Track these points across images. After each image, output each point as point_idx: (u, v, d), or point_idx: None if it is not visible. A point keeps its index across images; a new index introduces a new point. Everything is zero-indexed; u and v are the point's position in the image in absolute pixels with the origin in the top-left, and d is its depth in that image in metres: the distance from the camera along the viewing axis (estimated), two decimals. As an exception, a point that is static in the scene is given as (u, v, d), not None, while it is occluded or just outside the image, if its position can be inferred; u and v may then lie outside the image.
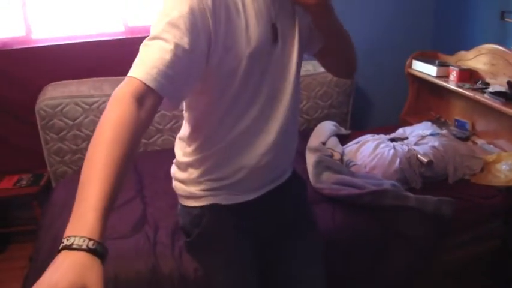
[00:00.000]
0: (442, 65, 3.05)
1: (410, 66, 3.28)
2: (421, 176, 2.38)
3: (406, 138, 2.70)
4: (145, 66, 0.98)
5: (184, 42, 1.02)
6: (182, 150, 1.40)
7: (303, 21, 1.28)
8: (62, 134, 2.78)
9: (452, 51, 3.16)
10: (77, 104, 2.78)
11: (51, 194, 2.51)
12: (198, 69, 1.11)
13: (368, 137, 2.64)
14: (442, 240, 2.18)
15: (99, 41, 3.00)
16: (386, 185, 2.15)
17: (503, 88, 2.61)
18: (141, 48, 1.04)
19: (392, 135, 2.77)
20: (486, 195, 2.36)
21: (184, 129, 1.38)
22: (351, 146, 2.61)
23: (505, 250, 2.34)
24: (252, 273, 1.45)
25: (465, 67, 2.95)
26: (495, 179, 2.46)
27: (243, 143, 1.31)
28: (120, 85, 0.98)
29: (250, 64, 1.18)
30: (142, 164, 2.61)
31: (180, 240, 1.83)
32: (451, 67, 2.98)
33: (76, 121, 2.79)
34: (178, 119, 2.87)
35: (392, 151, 2.41)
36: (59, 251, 0.75)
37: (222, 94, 1.22)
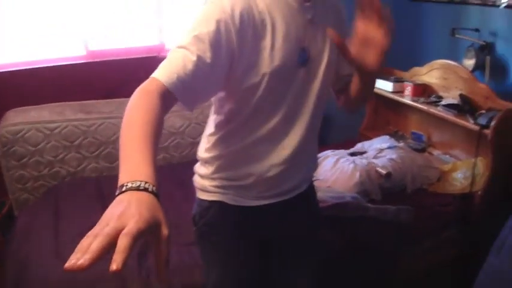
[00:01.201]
0: (398, 80, 3.17)
1: (367, 82, 3.37)
2: (380, 187, 2.46)
3: (365, 152, 2.78)
4: (169, 70, 1.09)
5: (207, 56, 1.11)
6: (203, 147, 1.48)
7: (334, 51, 1.33)
8: (23, 160, 2.75)
9: (406, 67, 3.28)
10: (38, 130, 2.77)
11: (15, 222, 2.48)
12: (216, 81, 1.20)
13: (328, 152, 2.71)
14: (403, 249, 2.26)
15: (60, 65, 3.00)
16: (348, 197, 2.22)
17: (455, 101, 2.73)
18: (169, 53, 1.14)
19: (352, 149, 2.85)
20: (443, 203, 2.47)
21: (208, 128, 1.45)
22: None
23: (463, 257, 2.42)
24: (246, 273, 1.52)
25: (419, 82, 3.08)
26: (451, 187, 2.57)
27: (256, 151, 1.39)
28: (145, 82, 1.07)
29: (272, 82, 1.25)
30: (106, 188, 2.59)
31: (147, 261, 1.84)
32: (405, 82, 3.10)
33: (38, 147, 2.77)
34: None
35: (352, 165, 2.49)
36: (119, 194, 0.79)
37: (243, 105, 1.30)
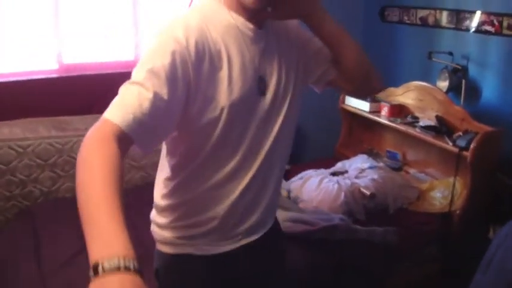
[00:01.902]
0: (374, 100, 3.23)
1: (343, 101, 3.44)
2: (364, 207, 2.49)
3: (346, 171, 2.82)
4: (123, 110, 0.98)
5: (163, 92, 1.03)
6: (160, 192, 1.35)
7: (291, 75, 1.30)
8: (-6, 179, 2.64)
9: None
10: (10, 148, 2.65)
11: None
12: (174, 118, 1.10)
13: (311, 172, 2.73)
14: (390, 268, 2.29)
15: (33, 79, 2.88)
16: (336, 219, 2.24)
17: (432, 122, 2.81)
18: (121, 90, 1.04)
19: (333, 169, 2.89)
20: (424, 222, 2.55)
21: (163, 171, 1.33)
22: (295, 182, 2.69)
23: (444, 273, 2.49)
24: None
25: (395, 102, 3.15)
26: (431, 206, 2.64)
27: (220, 191, 1.28)
28: (98, 125, 0.97)
29: (231, 115, 1.17)
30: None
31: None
32: (382, 103, 3.16)
33: (9, 165, 2.65)
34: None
35: (336, 185, 2.52)
36: (95, 276, 0.69)
37: (202, 143, 1.21)
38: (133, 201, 2.59)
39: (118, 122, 0.96)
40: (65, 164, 2.77)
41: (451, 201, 2.59)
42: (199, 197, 1.29)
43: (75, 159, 2.71)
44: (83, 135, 2.88)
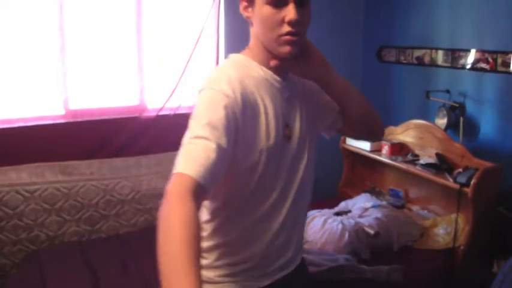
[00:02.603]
0: (375, 140, 3.28)
1: (344, 141, 3.49)
2: (368, 246, 2.50)
3: (350, 211, 2.85)
4: (194, 163, 1.08)
5: (223, 142, 1.14)
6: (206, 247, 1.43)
7: (310, 121, 1.46)
8: (1, 224, 2.66)
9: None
10: (17, 192, 2.69)
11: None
12: (227, 165, 1.20)
13: (314, 212, 2.75)
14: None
15: (39, 125, 2.93)
16: (341, 260, 2.25)
17: (432, 160, 2.85)
18: (186, 146, 1.14)
19: (336, 209, 2.91)
20: (428, 259, 2.55)
21: (202, 215, 1.39)
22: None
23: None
24: None
25: (396, 141, 3.21)
26: (435, 243, 2.65)
27: (257, 231, 1.38)
28: (174, 182, 1.06)
29: (268, 159, 1.30)
30: (90, 253, 2.54)
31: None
32: (383, 142, 3.22)
33: (16, 210, 2.68)
34: (124, 205, 2.85)
35: (340, 225, 2.53)
36: None
37: (242, 187, 1.32)
38: (140, 244, 2.61)
39: (193, 175, 1.06)
40: (71, 208, 2.80)
41: (455, 237, 2.60)
42: (238, 238, 1.38)
43: (80, 203, 2.78)
44: (89, 180, 2.91)
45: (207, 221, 1.39)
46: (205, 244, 1.40)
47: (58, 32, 2.89)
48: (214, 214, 1.38)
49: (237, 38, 3.37)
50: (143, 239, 2.66)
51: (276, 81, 1.35)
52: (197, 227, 0.98)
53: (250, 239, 1.38)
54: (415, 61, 3.41)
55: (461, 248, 2.56)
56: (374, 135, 1.67)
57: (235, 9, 3.44)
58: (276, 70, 1.35)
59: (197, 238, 0.97)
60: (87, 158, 2.95)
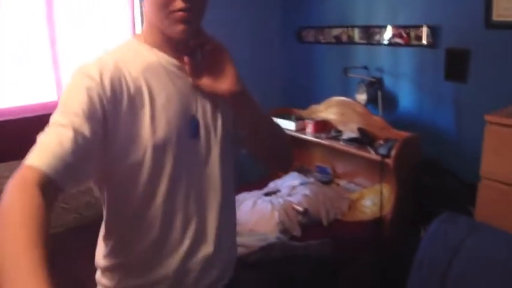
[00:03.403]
0: (298, 119, 3.34)
1: (270, 122, 3.50)
2: (299, 223, 2.55)
3: (279, 190, 2.89)
4: (43, 153, 0.92)
5: (84, 129, 0.97)
6: (100, 253, 1.23)
7: (228, 113, 1.24)
8: None
9: (305, 106, 3.48)
10: None
11: None
12: (95, 158, 1.02)
13: (244, 195, 2.78)
14: (328, 281, 2.35)
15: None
16: (272, 239, 2.28)
17: (354, 134, 2.94)
18: (40, 135, 0.97)
19: (266, 189, 2.94)
20: (357, 231, 2.63)
21: (101, 231, 1.22)
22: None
23: (383, 279, 2.58)
24: None
25: (319, 119, 3.27)
26: (362, 214, 2.74)
27: (160, 249, 1.16)
28: (18, 174, 0.88)
29: (157, 156, 1.10)
30: None
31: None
32: (306, 120, 3.28)
33: None
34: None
35: (269, 205, 2.57)
36: None
37: (128, 190, 1.12)
38: (70, 245, 2.53)
39: (39, 165, 0.89)
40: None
41: (381, 207, 2.70)
42: (139, 256, 1.17)
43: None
44: (1, 184, 2.73)
45: (104, 237, 1.20)
46: (105, 263, 1.20)
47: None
48: (107, 228, 1.19)
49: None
50: (73, 239, 2.58)
51: (174, 65, 1.15)
52: (40, 217, 0.81)
53: (156, 259, 1.16)
54: (333, 40, 3.48)
55: (388, 217, 2.66)
56: (280, 168, 1.58)
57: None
58: (173, 53, 1.16)
59: (39, 230, 0.79)
60: (4, 160, 2.81)
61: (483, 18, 2.53)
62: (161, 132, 1.10)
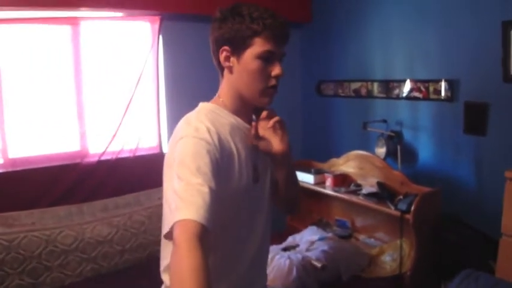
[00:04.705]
0: (318, 172, 3.35)
1: (289, 175, 3.52)
2: (316, 279, 2.51)
3: (297, 245, 2.86)
4: (195, 208, 1.15)
5: (213, 184, 1.23)
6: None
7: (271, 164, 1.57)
8: None
9: (325, 159, 3.49)
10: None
11: None
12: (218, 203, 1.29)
13: (263, 248, 2.75)
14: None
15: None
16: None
17: (374, 189, 2.93)
18: (181, 193, 1.20)
19: (284, 244, 2.92)
20: (377, 287, 2.57)
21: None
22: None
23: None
24: None
25: (338, 172, 3.27)
26: (382, 270, 2.69)
27: (228, 266, 1.46)
28: (180, 228, 1.12)
29: (238, 199, 1.41)
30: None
31: None
32: (325, 174, 3.28)
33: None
34: (67, 255, 2.76)
35: (288, 261, 2.54)
36: None
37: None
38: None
39: (196, 219, 1.13)
40: (13, 261, 2.68)
41: (401, 263, 2.65)
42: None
43: (23, 255, 2.68)
44: (31, 230, 2.79)
45: None
46: None
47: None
48: None
49: (176, 81, 3.42)
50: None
51: (245, 128, 1.48)
52: (207, 274, 1.05)
53: (220, 275, 1.43)
54: (352, 93, 3.53)
55: (408, 273, 2.61)
56: (289, 212, 1.95)
57: (173, 52, 3.48)
58: (245, 118, 1.49)
59: (208, 284, 1.04)
60: (28, 208, 2.87)
61: (501, 72, 2.55)
62: (244, 179, 1.44)
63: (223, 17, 1.42)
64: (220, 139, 1.36)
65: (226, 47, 1.42)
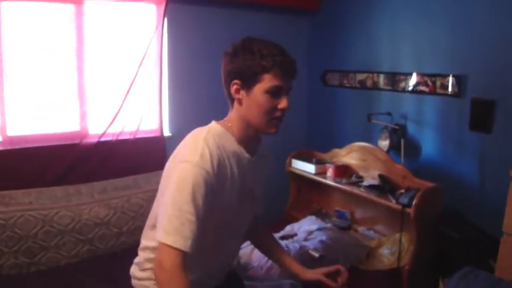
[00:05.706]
0: (319, 162, 3.32)
1: (290, 164, 3.51)
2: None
3: (295, 234, 2.84)
4: (183, 238, 1.38)
5: (201, 213, 1.42)
6: (146, 258, 1.69)
7: (261, 184, 1.80)
8: None
9: (327, 149, 3.45)
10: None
11: None
12: None
13: (260, 237, 2.73)
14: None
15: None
16: (286, 285, 2.22)
17: (375, 181, 2.89)
18: (172, 217, 1.40)
19: (282, 232, 2.90)
20: (374, 280, 2.57)
21: (154, 241, 1.53)
22: (245, 248, 2.67)
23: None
24: None
25: (340, 163, 3.24)
26: (380, 263, 2.67)
27: (201, 260, 1.59)
28: (167, 254, 1.38)
29: (224, 212, 1.58)
30: (30, 287, 2.44)
31: None
32: (327, 164, 3.25)
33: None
34: (64, 235, 2.74)
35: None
36: None
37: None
38: (81, 277, 2.52)
39: (182, 247, 1.37)
40: (9, 239, 2.66)
41: (399, 257, 2.63)
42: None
43: (19, 234, 2.65)
44: (28, 210, 2.74)
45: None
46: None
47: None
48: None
49: (179, 64, 3.38)
50: (85, 270, 2.57)
51: (246, 158, 1.63)
52: None
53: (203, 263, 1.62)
54: (357, 85, 3.49)
55: (406, 267, 2.59)
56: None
57: (177, 35, 3.44)
58: (247, 148, 1.63)
59: None
60: (26, 187, 2.84)
61: (509, 69, 2.51)
62: (234, 199, 1.61)
63: (235, 52, 1.53)
64: (219, 164, 1.50)
65: (236, 81, 1.53)
